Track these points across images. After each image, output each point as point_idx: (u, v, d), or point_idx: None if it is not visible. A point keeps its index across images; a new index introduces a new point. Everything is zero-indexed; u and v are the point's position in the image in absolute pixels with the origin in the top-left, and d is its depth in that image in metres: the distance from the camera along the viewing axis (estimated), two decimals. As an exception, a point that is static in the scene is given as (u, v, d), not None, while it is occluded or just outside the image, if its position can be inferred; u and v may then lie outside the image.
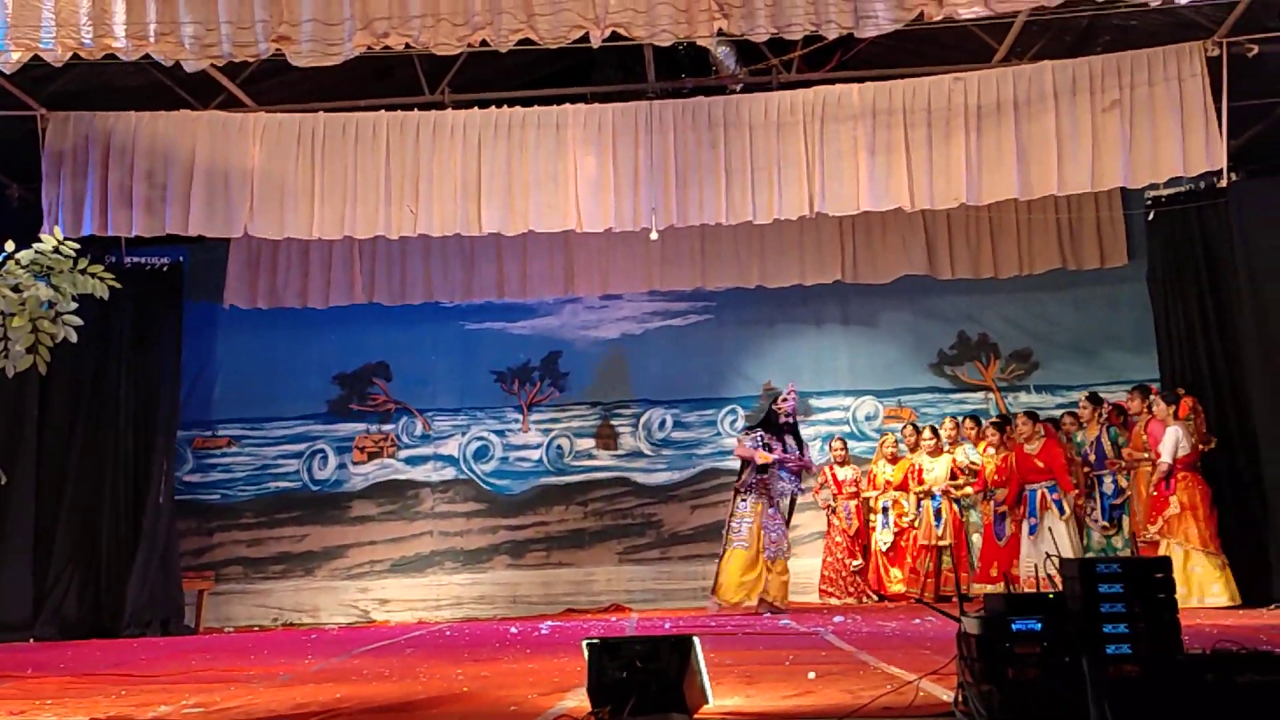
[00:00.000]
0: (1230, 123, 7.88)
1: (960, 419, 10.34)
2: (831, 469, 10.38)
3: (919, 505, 10.08)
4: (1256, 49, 7.81)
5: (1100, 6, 7.43)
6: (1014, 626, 3.41)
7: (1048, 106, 8.07)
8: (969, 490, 9.88)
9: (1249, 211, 8.65)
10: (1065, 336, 10.88)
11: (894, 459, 10.26)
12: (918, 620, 7.72)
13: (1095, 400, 9.39)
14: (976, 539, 9.85)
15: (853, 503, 10.22)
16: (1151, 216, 9.76)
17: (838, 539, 10.19)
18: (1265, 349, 8.52)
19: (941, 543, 9.86)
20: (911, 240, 10.52)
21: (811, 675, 4.73)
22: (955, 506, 9.95)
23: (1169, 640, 3.42)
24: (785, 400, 9.49)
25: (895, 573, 10.05)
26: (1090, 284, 10.70)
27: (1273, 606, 8.08)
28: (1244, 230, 8.65)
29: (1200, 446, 8.68)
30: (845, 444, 10.49)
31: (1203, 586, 8.31)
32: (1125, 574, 3.47)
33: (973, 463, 9.88)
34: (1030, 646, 3.39)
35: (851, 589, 10.06)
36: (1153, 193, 9.58)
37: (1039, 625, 3.40)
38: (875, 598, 10.03)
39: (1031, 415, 9.49)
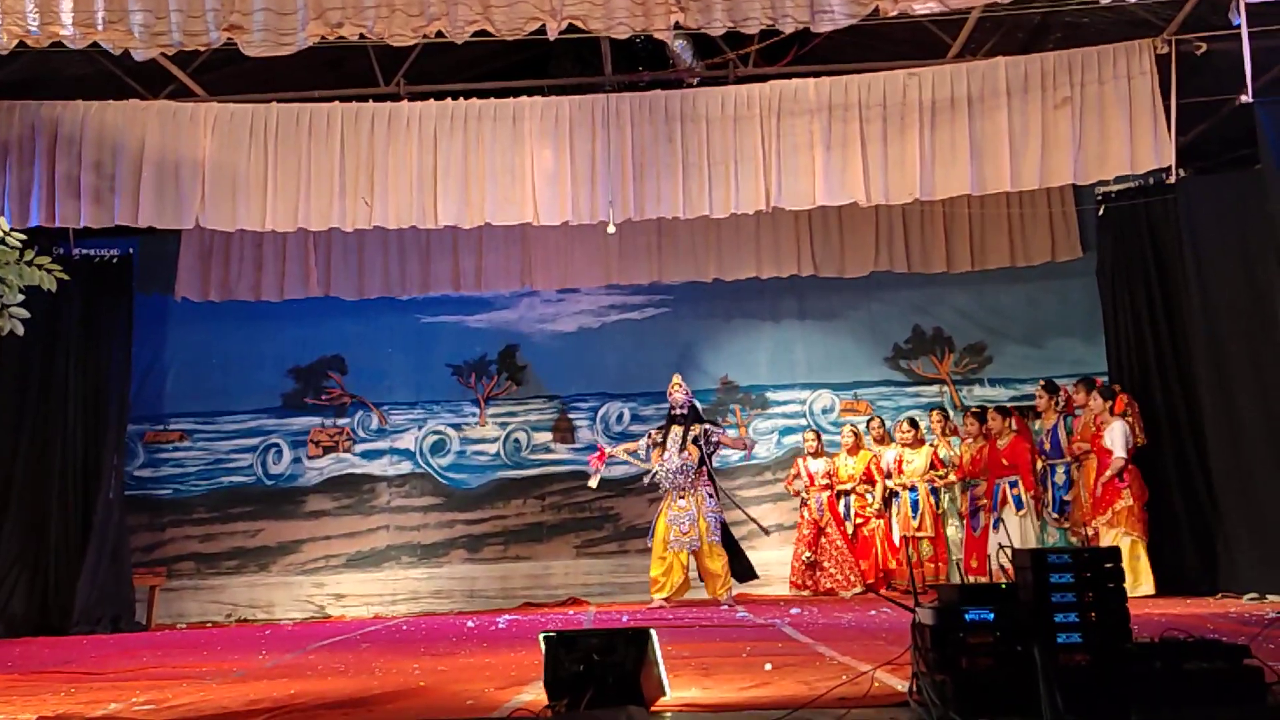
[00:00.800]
0: (1179, 120, 8.00)
1: (945, 412, 10.38)
2: (804, 460, 10.40)
3: (893, 496, 10.07)
4: (1205, 47, 7.92)
5: (1052, 3, 7.51)
6: (967, 617, 3.45)
7: (1000, 103, 8.16)
8: (952, 478, 9.84)
9: (1197, 207, 8.78)
10: (1018, 330, 11.01)
11: (854, 450, 10.30)
12: (873, 612, 7.80)
13: (1051, 388, 9.39)
14: (952, 530, 9.90)
15: (825, 495, 10.20)
16: (1102, 212, 9.90)
17: (805, 531, 10.19)
18: (1211, 342, 8.66)
19: (919, 534, 9.86)
20: (867, 234, 10.60)
21: (768, 667, 4.76)
22: (933, 498, 9.93)
23: (1118, 629, 3.47)
24: (671, 392, 9.58)
25: (860, 564, 10.06)
26: (1042, 278, 10.84)
27: (1219, 596, 8.23)
28: (1192, 226, 8.78)
29: (1137, 441, 8.82)
30: (819, 435, 10.45)
31: (1150, 575, 8.46)
32: (1075, 565, 3.52)
33: (956, 455, 9.92)
34: (983, 636, 3.43)
35: (809, 581, 10.09)
36: (1103, 188, 9.71)
37: (991, 615, 3.45)
38: (859, 589, 9.84)
39: (1003, 410, 9.50)
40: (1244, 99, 7.63)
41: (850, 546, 10.07)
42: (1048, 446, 9.22)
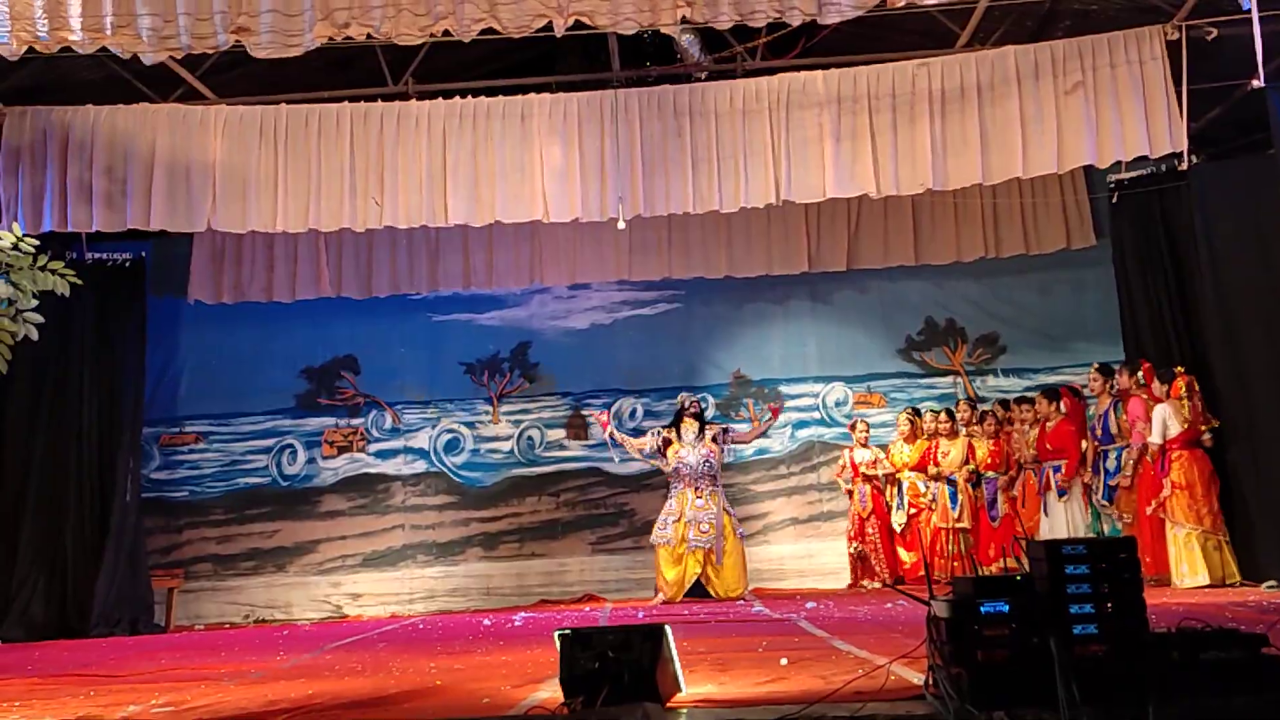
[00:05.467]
0: (1190, 106, 7.95)
1: (972, 403, 10.34)
2: (851, 452, 10.35)
3: (931, 488, 10.01)
4: (1215, 32, 7.88)
5: (1061, -9, 7.48)
6: (982, 609, 3.43)
7: (1011, 90, 8.12)
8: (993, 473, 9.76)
9: (1210, 194, 8.72)
10: (1031, 321, 10.96)
11: (911, 438, 10.21)
12: (889, 605, 7.78)
13: (1106, 371, 9.11)
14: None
15: (868, 486, 10.16)
16: (1115, 199, 9.85)
17: (852, 525, 10.17)
18: (1226, 328, 8.60)
19: (958, 525, 9.76)
20: (878, 227, 10.58)
21: (784, 662, 4.75)
22: (971, 489, 9.81)
23: (1135, 619, 3.45)
24: (681, 400, 9.81)
25: (906, 555, 10.01)
26: (1055, 268, 10.79)
27: (1238, 584, 8.17)
28: (1205, 212, 8.72)
29: (1201, 426, 8.45)
30: (867, 425, 10.42)
31: (1213, 566, 8.15)
32: (1091, 555, 3.50)
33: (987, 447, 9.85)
34: (999, 628, 3.41)
35: (862, 573, 10.04)
36: (1115, 176, 9.67)
37: (1007, 607, 3.43)
38: (878, 583, 9.88)
39: (1051, 393, 9.31)
40: (1255, 84, 7.58)
41: (892, 538, 10.03)
42: (1099, 431, 8.99)
